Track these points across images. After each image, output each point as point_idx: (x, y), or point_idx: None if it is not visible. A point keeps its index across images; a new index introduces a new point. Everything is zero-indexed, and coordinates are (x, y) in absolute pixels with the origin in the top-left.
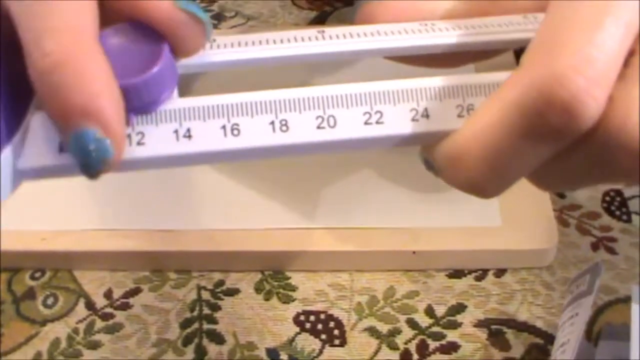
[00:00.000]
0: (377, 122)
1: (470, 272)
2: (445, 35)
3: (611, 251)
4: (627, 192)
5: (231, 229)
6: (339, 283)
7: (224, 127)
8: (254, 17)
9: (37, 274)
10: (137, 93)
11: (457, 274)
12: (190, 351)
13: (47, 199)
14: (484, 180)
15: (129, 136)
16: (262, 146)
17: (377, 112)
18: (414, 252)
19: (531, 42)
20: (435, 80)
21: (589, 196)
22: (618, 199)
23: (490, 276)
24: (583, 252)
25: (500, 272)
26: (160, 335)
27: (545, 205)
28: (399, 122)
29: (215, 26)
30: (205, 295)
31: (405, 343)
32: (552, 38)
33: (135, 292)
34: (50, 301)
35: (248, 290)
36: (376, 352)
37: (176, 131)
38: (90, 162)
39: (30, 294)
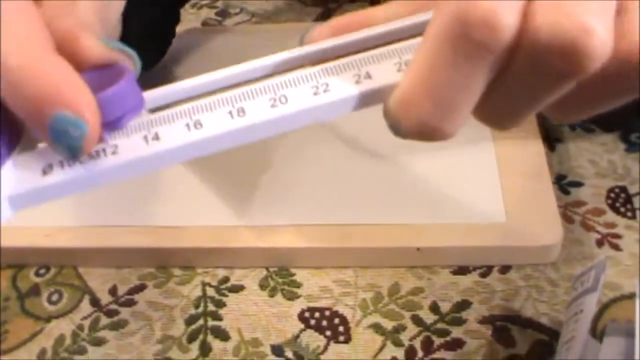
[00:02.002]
0: (325, 91)
1: (475, 269)
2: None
3: (616, 248)
4: (632, 188)
5: (236, 226)
6: (344, 279)
7: (187, 124)
8: (259, 13)
9: (42, 271)
10: (105, 107)
11: (461, 270)
12: (195, 347)
13: None
14: (435, 117)
15: (103, 150)
16: (223, 132)
17: (323, 84)
18: (418, 249)
19: None
20: (373, 51)
21: (593, 193)
22: (623, 195)
23: (494, 273)
24: (588, 248)
25: (505, 269)
26: (165, 331)
27: (549, 202)
28: (344, 87)
29: (219, 22)
30: (210, 291)
31: (410, 340)
32: None
33: (140, 288)
34: (55, 297)
35: (253, 286)
36: (381, 349)
37: (145, 137)
38: (71, 142)
39: (35, 291)
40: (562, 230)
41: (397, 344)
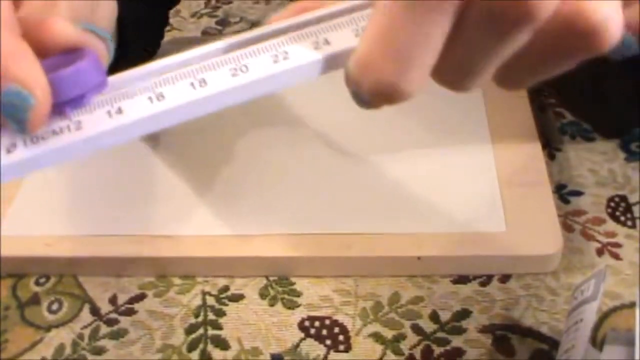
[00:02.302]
0: (284, 59)
1: (474, 278)
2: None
3: (616, 257)
4: (632, 197)
5: (236, 235)
6: (344, 289)
7: (150, 98)
8: (259, 22)
9: (42, 280)
10: (65, 85)
11: (461, 279)
12: (195, 356)
13: (51, 204)
14: (395, 75)
15: (67, 126)
16: (185, 103)
17: (283, 52)
18: (418, 258)
19: None
20: (332, 19)
21: (593, 202)
22: (623, 204)
23: (494, 282)
24: (588, 257)
25: (504, 278)
26: (165, 340)
27: (549, 211)
28: (303, 54)
29: (219, 32)
30: (210, 300)
31: (410, 349)
32: None
33: (140, 297)
34: (55, 307)
35: (253, 295)
36: (381, 358)
37: (109, 112)
38: (19, 115)
39: (35, 300)
40: (562, 239)
41: (397, 353)
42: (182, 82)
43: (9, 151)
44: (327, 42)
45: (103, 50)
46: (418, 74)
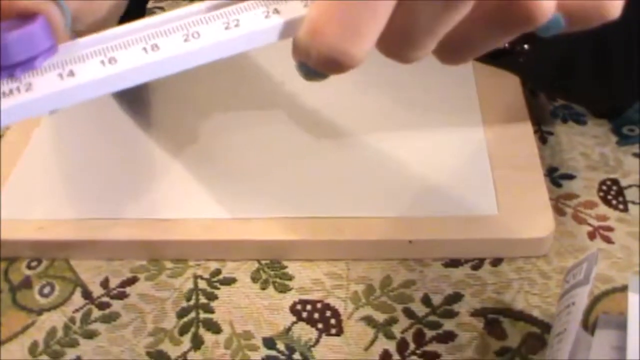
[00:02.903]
0: (236, 26)
1: (466, 261)
2: None
3: (608, 240)
4: (624, 181)
5: (228, 218)
6: (336, 272)
7: (102, 61)
8: None
9: (34, 263)
10: (14, 47)
11: (453, 263)
12: (186, 340)
13: (43, 188)
14: (344, 41)
15: (17, 88)
16: (137, 66)
17: (234, 20)
18: (410, 242)
19: None
20: None
21: (585, 185)
22: (615, 188)
23: (486, 265)
24: (579, 241)
25: (496, 261)
26: (156, 324)
27: (541, 195)
28: (254, 22)
29: None
30: (202, 284)
31: (402, 332)
32: None
33: (131, 281)
34: (46, 290)
35: (244, 279)
36: (373, 342)
37: (60, 74)
38: None
39: (27, 283)
40: (554, 222)
41: (389, 336)
42: (135, 47)
43: None
44: (277, 11)
45: (57, 15)
46: (366, 40)
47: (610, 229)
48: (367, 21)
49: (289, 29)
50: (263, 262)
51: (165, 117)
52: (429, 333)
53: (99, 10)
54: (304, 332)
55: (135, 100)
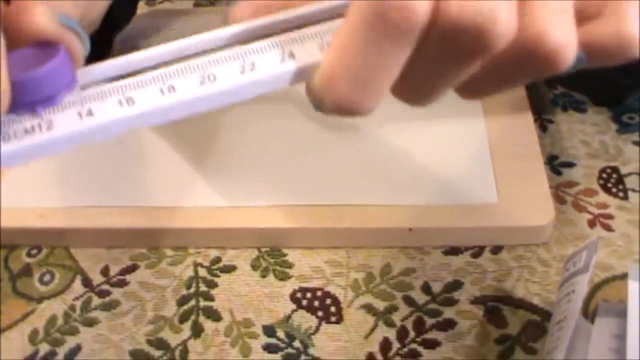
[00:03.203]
0: (251, 70)
1: (466, 249)
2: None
3: (608, 228)
4: (624, 169)
5: (227, 206)
6: (336, 260)
7: (120, 101)
8: None
9: (34, 251)
10: (37, 85)
11: (453, 251)
12: (186, 328)
13: (43, 176)
14: (356, 94)
15: (39, 125)
16: (154, 108)
17: (250, 62)
18: (410, 229)
19: None
20: (296, 32)
21: (585, 173)
22: (615, 176)
23: (486, 253)
24: (579, 229)
25: (496, 249)
26: (156, 312)
27: (541, 182)
28: (270, 66)
29: (211, 3)
30: (202, 272)
31: (402, 320)
32: None
33: (131, 269)
34: (46, 278)
35: (244, 267)
36: (373, 329)
37: (79, 113)
38: None
39: (27, 271)
40: (554, 210)
41: (389, 324)
42: (151, 87)
43: None
44: (292, 55)
45: (79, 49)
46: (378, 94)
47: (610, 216)
48: (381, 76)
49: (303, 74)
50: (263, 249)
51: None
52: (429, 321)
53: (93, 15)
54: (304, 320)
55: None
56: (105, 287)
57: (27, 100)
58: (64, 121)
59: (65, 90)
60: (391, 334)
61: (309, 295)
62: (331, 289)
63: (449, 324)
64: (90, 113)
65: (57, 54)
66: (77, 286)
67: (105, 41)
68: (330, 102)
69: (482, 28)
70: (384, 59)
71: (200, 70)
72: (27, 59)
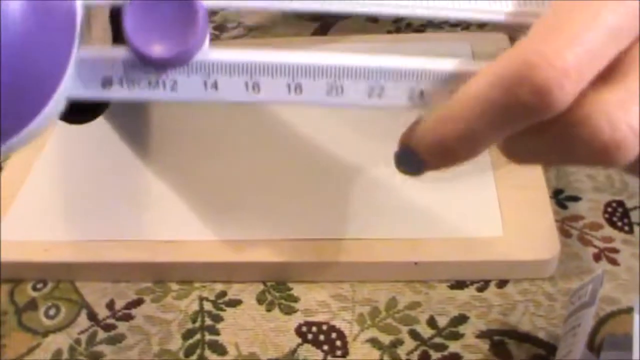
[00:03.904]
0: (378, 96)
1: (472, 283)
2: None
3: (613, 262)
4: (629, 203)
5: (233, 240)
6: (341, 294)
7: (246, 83)
8: (255, 27)
9: (39, 285)
10: (174, 42)
11: (459, 284)
12: None
13: (49, 209)
14: (459, 143)
15: (163, 82)
16: (275, 101)
17: (379, 87)
18: (415, 263)
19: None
20: (435, 64)
21: (590, 207)
22: (620, 210)
23: (492, 287)
24: (585, 262)
25: (502, 283)
26: (162, 346)
27: (547, 216)
28: (396, 97)
29: (217, 37)
30: (207, 306)
31: (408, 354)
32: (541, 29)
33: (137, 303)
34: (52, 312)
35: (250, 301)
36: None
37: (205, 82)
38: None
39: (32, 305)
40: (560, 244)
41: (395, 358)
42: (280, 79)
43: (104, 85)
44: (422, 94)
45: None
46: (477, 150)
47: (615, 250)
48: (488, 136)
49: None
50: (268, 283)
51: (170, 139)
52: (435, 355)
53: None
54: (310, 354)
55: (139, 122)
56: (111, 321)
57: (162, 57)
58: (188, 86)
59: (197, 50)
60: None
61: (314, 329)
62: (337, 323)
63: (454, 358)
64: (215, 86)
65: (197, 11)
66: (83, 320)
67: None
68: (432, 142)
69: (602, 150)
70: (499, 125)
71: (329, 77)
72: (159, 9)
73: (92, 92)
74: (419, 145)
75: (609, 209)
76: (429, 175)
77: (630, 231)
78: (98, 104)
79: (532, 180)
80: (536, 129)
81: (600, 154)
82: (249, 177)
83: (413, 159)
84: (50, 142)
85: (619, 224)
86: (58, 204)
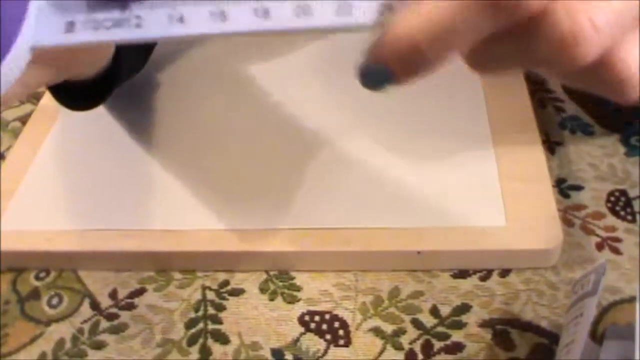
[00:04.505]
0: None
1: (474, 272)
2: None
3: (616, 251)
4: (632, 192)
5: (236, 229)
6: (344, 283)
7: (212, 13)
8: None
9: (42, 274)
10: None
11: (461, 274)
12: (195, 351)
13: (51, 199)
14: (429, 43)
15: (127, 19)
16: (245, 29)
17: (347, 3)
18: (418, 252)
19: None
20: None
21: (593, 196)
22: (623, 199)
23: (494, 276)
24: (588, 252)
25: (504, 272)
26: (165, 335)
27: (549, 206)
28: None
29: None
30: (210, 295)
31: (410, 343)
32: None
33: (140, 292)
34: (55, 301)
35: (253, 290)
36: (381, 353)
37: (170, 15)
38: None
39: (35, 294)
40: (562, 233)
41: (397, 347)
42: (246, 5)
43: (67, 30)
44: (390, 9)
45: None
46: (443, 53)
47: (618, 239)
48: (456, 36)
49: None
50: (271, 273)
51: (173, 128)
52: (437, 344)
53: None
54: (312, 343)
55: (141, 111)
56: (114, 310)
57: None
58: (153, 21)
59: None
60: (399, 357)
61: (317, 318)
62: (339, 312)
63: (457, 347)
64: (181, 19)
65: None
66: (85, 309)
67: (103, 90)
68: (395, 50)
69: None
70: (469, 25)
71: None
72: None
73: (56, 39)
74: (385, 51)
75: (612, 198)
76: (431, 164)
77: (633, 220)
78: (100, 90)
79: (535, 169)
80: (502, 33)
81: (559, 48)
82: (251, 167)
83: (379, 69)
84: (53, 131)
85: (622, 213)
86: (61, 193)
